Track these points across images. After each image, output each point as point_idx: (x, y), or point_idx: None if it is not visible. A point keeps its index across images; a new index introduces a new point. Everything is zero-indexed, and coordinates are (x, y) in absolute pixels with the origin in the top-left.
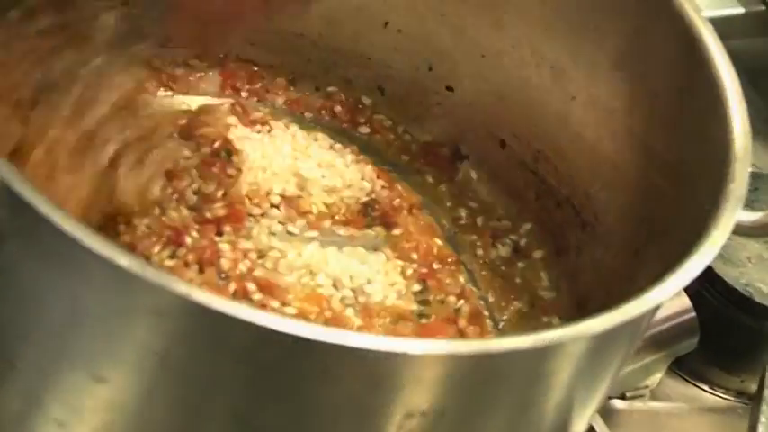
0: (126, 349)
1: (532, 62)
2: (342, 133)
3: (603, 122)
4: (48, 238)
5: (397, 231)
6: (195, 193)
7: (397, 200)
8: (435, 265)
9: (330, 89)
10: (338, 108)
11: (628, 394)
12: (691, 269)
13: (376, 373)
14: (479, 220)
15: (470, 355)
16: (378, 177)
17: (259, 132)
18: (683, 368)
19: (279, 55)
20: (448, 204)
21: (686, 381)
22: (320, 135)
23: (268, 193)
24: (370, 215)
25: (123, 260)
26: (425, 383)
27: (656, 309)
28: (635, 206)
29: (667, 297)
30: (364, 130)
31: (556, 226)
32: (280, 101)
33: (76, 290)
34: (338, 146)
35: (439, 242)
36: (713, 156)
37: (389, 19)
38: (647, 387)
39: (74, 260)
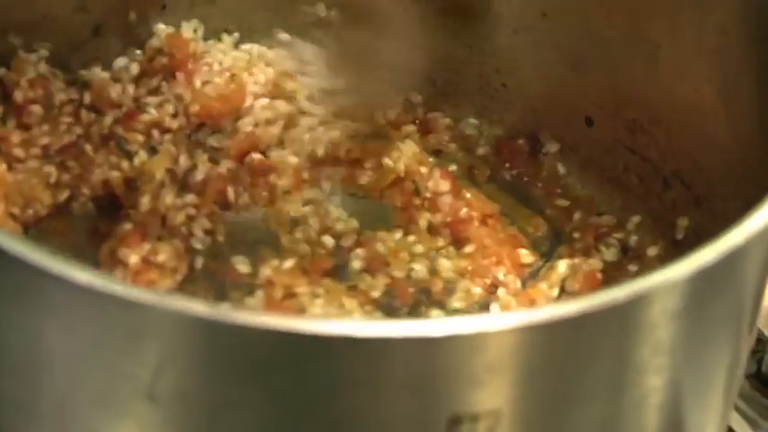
0: (110, 389)
1: (602, 11)
2: (387, 138)
3: (696, 68)
4: None
5: (469, 248)
6: None
7: (465, 209)
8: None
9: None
10: (380, 112)
11: None
12: None
13: (415, 368)
14: (576, 220)
15: (530, 326)
16: None
17: None
18: None
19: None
20: (533, 207)
21: None
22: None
23: None
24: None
25: (82, 276)
26: (484, 375)
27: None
28: (747, 161)
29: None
30: (415, 131)
31: (667, 211)
32: None
33: (41, 325)
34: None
35: (525, 253)
36: None
37: None
38: None
39: (30, 288)
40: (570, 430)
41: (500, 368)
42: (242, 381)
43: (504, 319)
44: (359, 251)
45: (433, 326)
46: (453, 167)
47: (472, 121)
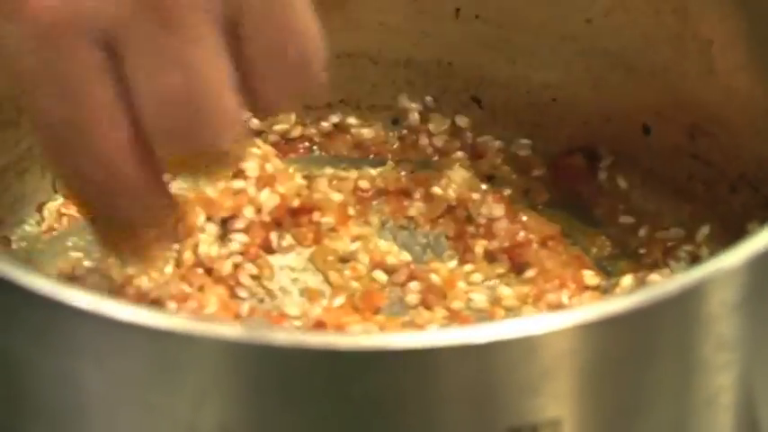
0: (150, 428)
1: (649, 11)
2: (435, 167)
3: (751, 61)
4: (21, 307)
5: (530, 273)
6: None
7: (523, 233)
8: None
9: (411, 118)
10: (425, 141)
11: None
12: None
13: (464, 379)
14: (642, 236)
15: (581, 326)
16: None
17: None
18: None
19: (333, 88)
20: (596, 225)
21: None
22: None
23: None
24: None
25: (113, 310)
26: (538, 381)
27: None
28: None
29: None
30: (465, 157)
31: (737, 217)
32: (343, 147)
33: (71, 367)
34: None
35: (590, 273)
36: None
37: (460, 4)
38: None
39: (56, 327)
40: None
41: (554, 373)
42: (285, 405)
43: (552, 320)
44: (413, 284)
45: (478, 332)
46: (508, 191)
47: (524, 141)
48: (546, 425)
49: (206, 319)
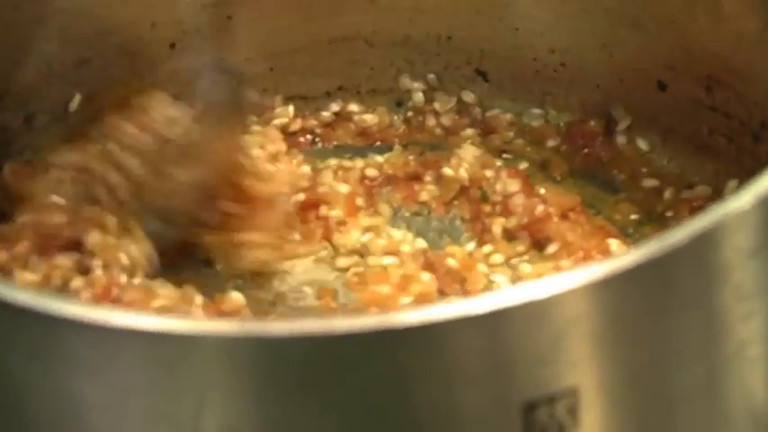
0: None
1: None
2: (443, 149)
3: (759, 4)
4: (13, 324)
5: (552, 248)
6: None
7: (541, 207)
8: None
9: (416, 99)
10: (432, 121)
11: None
12: None
13: (470, 354)
14: (667, 198)
15: (587, 287)
16: None
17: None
18: None
19: (330, 76)
20: (618, 192)
21: None
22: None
23: None
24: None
25: (109, 318)
26: (549, 349)
27: None
28: None
29: None
30: (475, 134)
31: (763, 167)
32: (347, 136)
33: (66, 379)
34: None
35: (615, 242)
36: None
37: None
38: None
39: (46, 340)
40: (667, 398)
41: (567, 339)
42: (289, 398)
43: (559, 282)
44: (429, 272)
45: (480, 302)
46: (524, 165)
47: (536, 111)
48: (563, 395)
49: (200, 317)
